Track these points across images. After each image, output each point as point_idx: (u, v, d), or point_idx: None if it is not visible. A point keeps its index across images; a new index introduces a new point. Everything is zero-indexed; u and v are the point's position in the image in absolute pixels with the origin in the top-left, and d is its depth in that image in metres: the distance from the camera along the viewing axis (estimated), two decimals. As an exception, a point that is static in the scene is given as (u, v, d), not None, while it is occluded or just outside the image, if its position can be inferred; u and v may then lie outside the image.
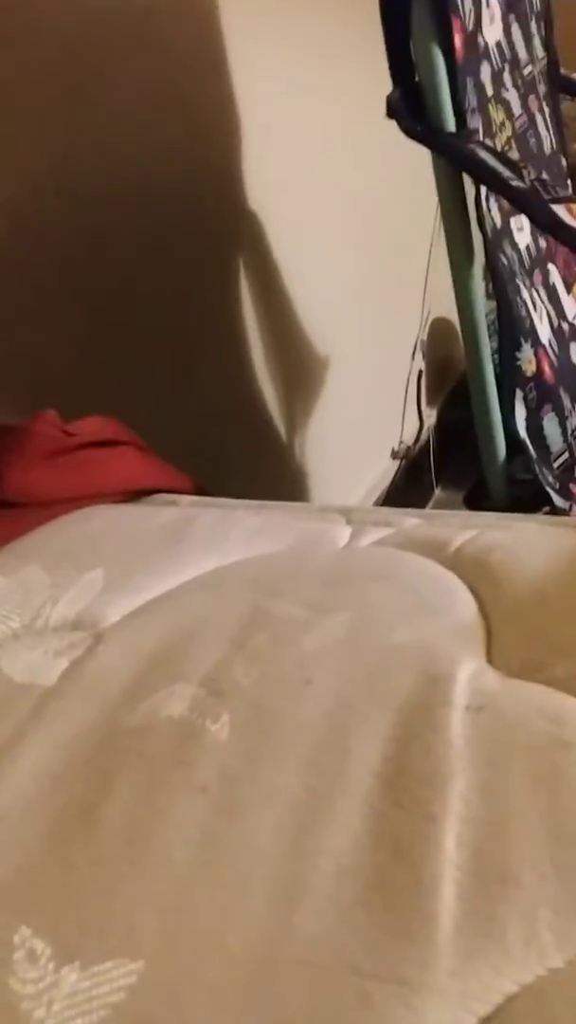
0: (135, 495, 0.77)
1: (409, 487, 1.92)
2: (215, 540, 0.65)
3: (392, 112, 0.92)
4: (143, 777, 0.43)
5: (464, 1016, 0.31)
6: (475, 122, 0.99)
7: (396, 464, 1.92)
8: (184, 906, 0.37)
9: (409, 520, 0.66)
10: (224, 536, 0.66)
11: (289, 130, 1.47)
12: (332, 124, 1.60)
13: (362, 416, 1.80)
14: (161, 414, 1.01)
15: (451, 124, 0.95)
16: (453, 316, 2.23)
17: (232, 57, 1.29)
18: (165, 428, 0.86)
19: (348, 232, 1.69)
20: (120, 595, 0.60)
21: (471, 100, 0.98)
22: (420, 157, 1.91)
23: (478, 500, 1.26)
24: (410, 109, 0.91)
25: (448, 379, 2.17)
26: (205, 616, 0.55)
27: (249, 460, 1.44)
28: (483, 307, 1.12)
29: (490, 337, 1.15)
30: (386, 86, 1.61)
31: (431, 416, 2.04)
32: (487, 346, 1.12)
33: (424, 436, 2.00)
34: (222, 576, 0.60)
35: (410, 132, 0.94)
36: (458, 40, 0.92)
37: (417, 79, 0.92)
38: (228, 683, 0.48)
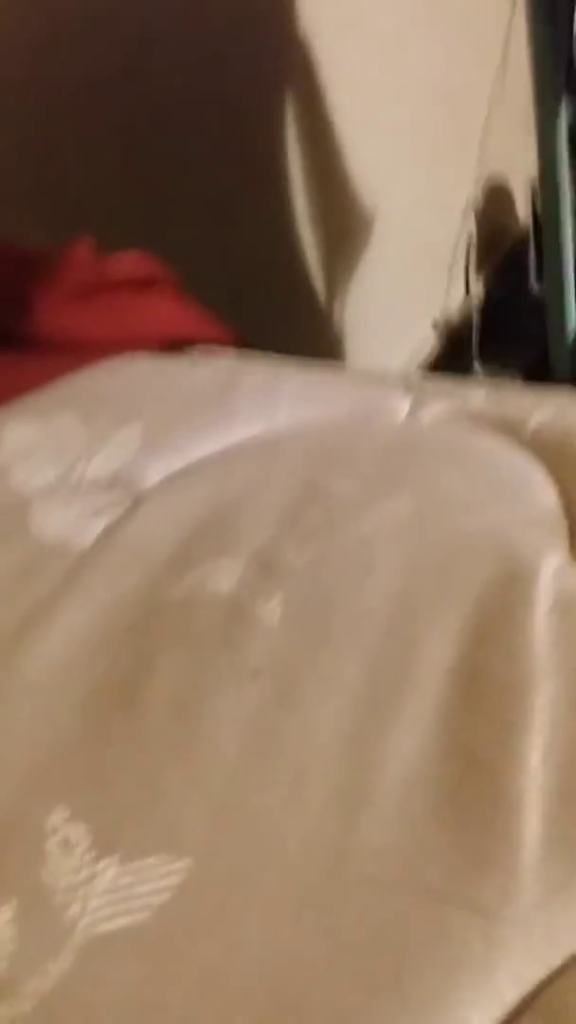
0: (172, 345, 0.70)
1: (450, 362, 1.83)
2: (262, 401, 0.60)
3: None
4: (188, 657, 0.40)
5: (550, 953, 0.28)
6: None
7: (437, 335, 1.83)
8: (235, 802, 0.33)
9: (476, 394, 0.60)
10: (272, 398, 0.60)
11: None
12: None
13: (405, 280, 1.70)
14: (196, 258, 0.93)
15: None
16: (510, 177, 2.09)
17: None
18: (199, 274, 0.78)
19: (404, 77, 1.55)
20: (160, 454, 0.55)
21: None
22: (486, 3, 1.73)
23: (538, 377, 1.19)
24: None
25: (498, 249, 2.04)
26: (253, 486, 0.50)
27: (283, 315, 1.36)
28: (566, 171, 1.02)
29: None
30: None
31: (477, 286, 1.93)
32: (568, 213, 1.02)
33: (469, 308, 1.90)
34: (271, 443, 0.55)
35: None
36: None
37: None
38: (280, 562, 0.44)
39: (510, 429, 0.53)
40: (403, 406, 0.60)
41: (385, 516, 0.45)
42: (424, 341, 1.82)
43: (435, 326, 1.82)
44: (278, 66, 1.23)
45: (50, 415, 0.58)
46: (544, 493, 0.47)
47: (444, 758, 0.33)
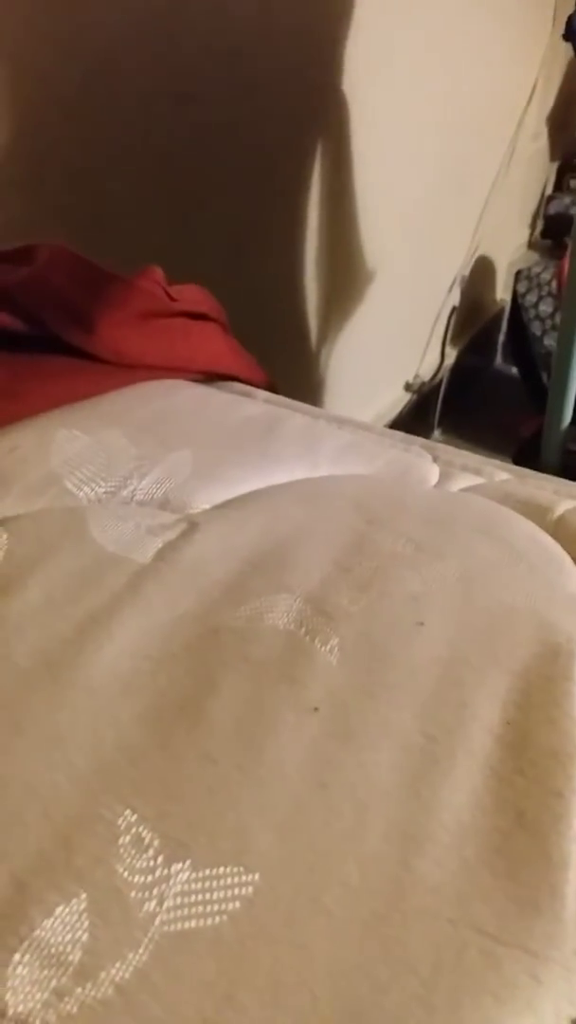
0: (212, 376, 0.73)
1: (413, 423, 1.90)
2: (306, 448, 0.63)
3: (570, 34, 0.87)
4: (249, 683, 0.42)
5: (589, 998, 0.31)
6: None
7: (407, 397, 1.90)
8: (301, 825, 0.36)
9: (499, 473, 0.65)
10: (315, 446, 0.64)
11: (395, 35, 1.39)
12: (435, 36, 1.51)
13: (388, 341, 1.77)
14: (205, 282, 0.96)
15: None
16: (496, 258, 2.19)
17: None
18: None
19: (425, 146, 1.63)
20: (209, 483, 0.57)
21: None
22: (505, 93, 1.83)
23: (526, 460, 1.25)
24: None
25: (475, 322, 2.14)
26: (305, 528, 0.53)
27: (272, 354, 1.40)
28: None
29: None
30: (494, 19, 1.52)
31: (451, 356, 2.02)
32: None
33: (440, 375, 1.98)
34: (318, 489, 0.58)
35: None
36: None
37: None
38: (335, 606, 0.47)
39: (536, 513, 0.58)
40: (432, 473, 0.64)
41: (432, 578, 0.49)
42: (395, 400, 1.88)
43: (408, 388, 1.89)
44: (316, 112, 1.28)
45: (100, 429, 0.60)
46: (572, 580, 0.52)
47: (494, 813, 0.37)
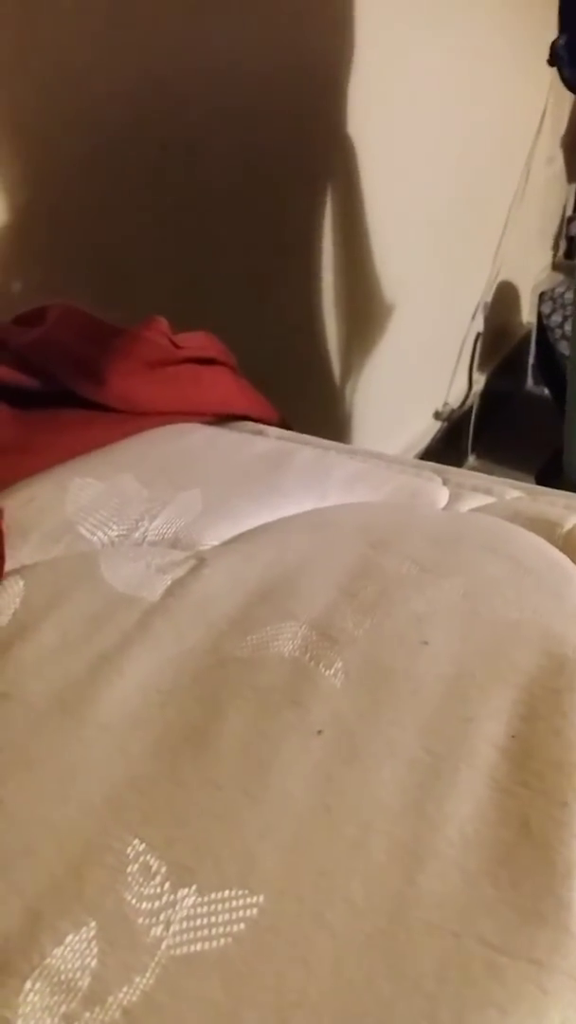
0: (224, 418, 0.75)
1: (445, 450, 1.90)
2: (314, 479, 0.64)
3: (555, 60, 0.88)
4: (255, 709, 0.43)
5: (595, 1005, 0.31)
6: None
7: (437, 425, 1.90)
8: (305, 846, 0.36)
9: (510, 492, 0.65)
10: (323, 477, 0.65)
11: (397, 68, 1.42)
12: (439, 69, 1.54)
13: (414, 371, 1.78)
14: (223, 331, 0.99)
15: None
16: (519, 282, 2.20)
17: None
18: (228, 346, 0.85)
19: (436, 180, 1.65)
20: (218, 520, 0.59)
21: None
22: (515, 119, 1.85)
23: (549, 478, 1.25)
24: (574, 59, 0.87)
25: (502, 347, 2.14)
26: (311, 556, 0.54)
27: (298, 393, 1.42)
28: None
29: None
30: (501, 37, 1.55)
31: (479, 382, 2.02)
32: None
33: (469, 401, 1.98)
34: (325, 518, 0.59)
35: (572, 83, 0.90)
36: None
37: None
38: (340, 631, 0.47)
39: (545, 529, 0.58)
40: (442, 495, 0.65)
41: (437, 597, 0.49)
42: (425, 429, 1.89)
43: (438, 416, 1.89)
44: (323, 159, 1.31)
45: (113, 475, 0.62)
46: (578, 591, 0.51)
47: (498, 825, 0.37)
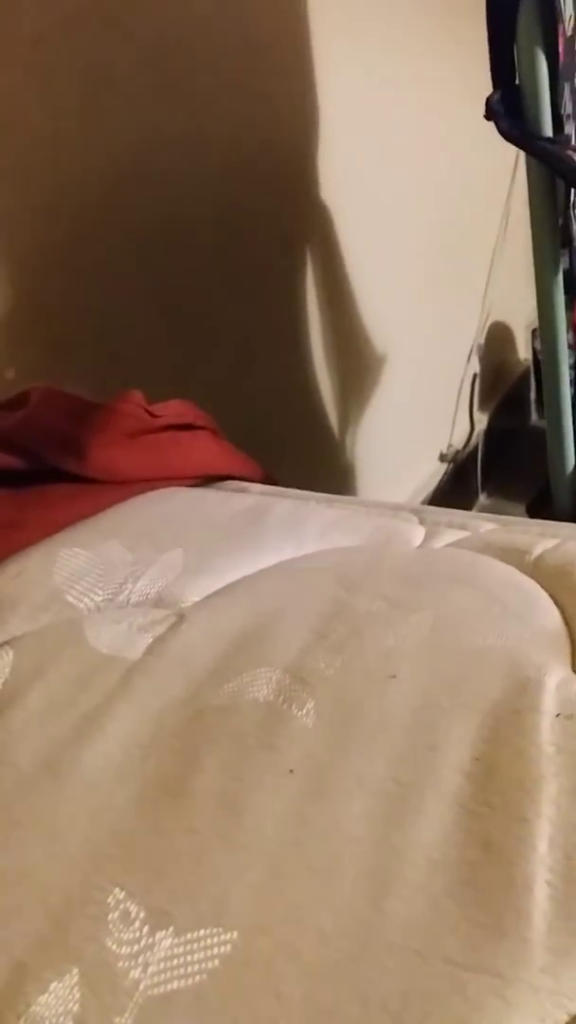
0: (207, 479, 0.78)
1: (455, 491, 1.92)
2: (291, 529, 0.66)
3: (491, 114, 0.92)
4: (231, 755, 0.44)
5: (555, 1012, 0.32)
6: (570, 128, 0.99)
7: (444, 467, 1.92)
8: (276, 883, 0.38)
9: (485, 525, 0.67)
10: (300, 526, 0.67)
11: (365, 126, 1.47)
12: (407, 123, 1.60)
13: (414, 417, 1.81)
14: (218, 396, 1.02)
15: (548, 129, 0.96)
16: (511, 321, 2.23)
17: (314, 51, 1.30)
18: (220, 411, 0.88)
19: (414, 231, 1.69)
20: (200, 576, 0.61)
21: (567, 106, 0.98)
22: (489, 161, 1.90)
23: (540, 508, 1.26)
24: (509, 111, 0.91)
25: (501, 385, 2.17)
26: (286, 604, 0.56)
27: (299, 450, 1.45)
28: (564, 316, 1.12)
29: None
30: (465, 87, 1.60)
31: (482, 421, 2.04)
32: (565, 355, 1.12)
33: (473, 441, 2.00)
34: (300, 566, 0.61)
35: (508, 135, 0.94)
36: (560, 45, 0.92)
37: (517, 82, 0.92)
38: (312, 672, 0.49)
39: (515, 557, 0.60)
40: (418, 534, 0.67)
41: (407, 632, 0.51)
42: (432, 473, 1.91)
43: (443, 458, 1.91)
44: (300, 226, 1.36)
45: (99, 543, 0.65)
46: (547, 615, 0.53)
47: (463, 846, 0.38)
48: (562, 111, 0.96)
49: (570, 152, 0.95)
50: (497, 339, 2.12)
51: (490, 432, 2.09)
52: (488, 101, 0.94)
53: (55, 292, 0.93)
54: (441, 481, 1.90)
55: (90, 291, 0.97)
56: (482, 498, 2.09)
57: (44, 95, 0.89)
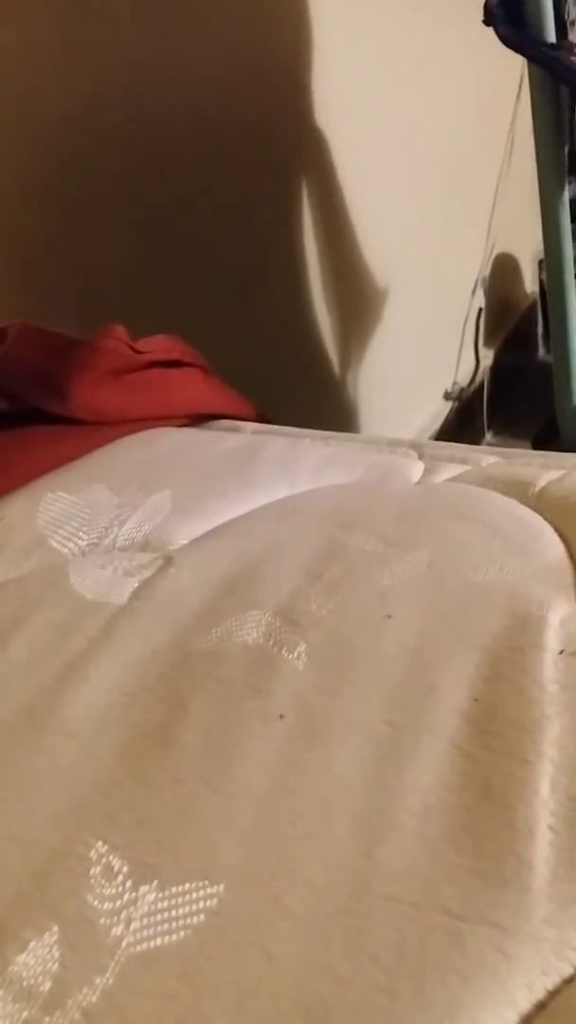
0: (198, 419, 0.75)
1: (460, 431, 1.88)
2: (284, 468, 0.64)
3: (489, 18, 0.87)
4: (218, 701, 0.42)
5: (559, 964, 0.30)
6: (574, 35, 0.94)
7: (448, 406, 1.88)
8: (264, 832, 0.36)
9: (486, 458, 0.64)
10: (293, 465, 0.64)
11: (363, 48, 1.41)
12: (407, 46, 1.53)
13: (417, 353, 1.76)
14: (213, 336, 0.99)
15: (552, 35, 0.90)
16: (518, 252, 2.17)
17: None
18: (216, 351, 0.84)
19: (415, 160, 1.63)
20: (188, 518, 0.58)
21: (572, 11, 0.92)
22: (493, 87, 1.83)
23: (546, 443, 1.23)
24: (509, 16, 0.85)
25: (507, 320, 2.11)
26: (277, 544, 0.54)
27: (298, 390, 1.42)
28: (570, 246, 1.07)
29: None
30: (466, 2, 1.52)
31: (487, 357, 1.99)
32: (572, 286, 1.07)
33: (479, 378, 1.96)
34: (293, 505, 0.59)
35: (507, 40, 0.88)
36: (564, -55, 0.86)
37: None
38: (304, 613, 0.47)
39: (518, 489, 0.57)
40: (416, 470, 0.64)
41: (403, 570, 0.48)
42: (436, 411, 1.87)
43: (447, 396, 1.87)
44: (294, 154, 1.31)
45: (83, 486, 0.62)
46: (551, 548, 0.50)
47: (460, 790, 0.36)
48: (566, 16, 0.91)
49: (574, 59, 0.89)
50: (503, 271, 2.06)
51: (496, 369, 2.04)
52: (487, 5, 0.88)
53: (37, 229, 0.89)
54: (446, 420, 1.87)
55: (73, 228, 0.93)
56: (488, 436, 2.05)
57: (19, 26, 0.84)
